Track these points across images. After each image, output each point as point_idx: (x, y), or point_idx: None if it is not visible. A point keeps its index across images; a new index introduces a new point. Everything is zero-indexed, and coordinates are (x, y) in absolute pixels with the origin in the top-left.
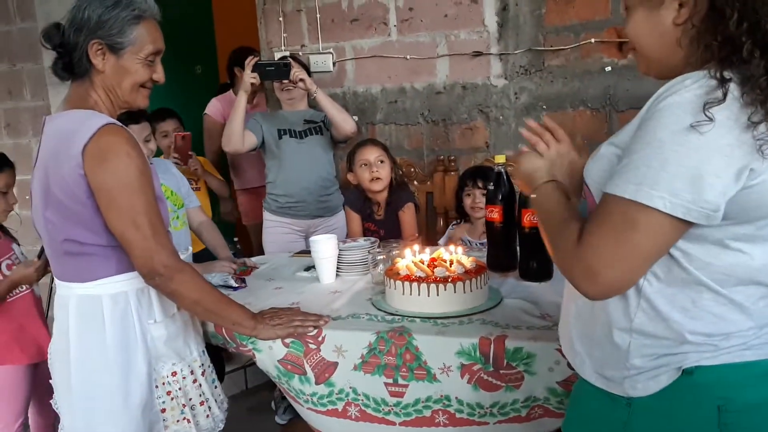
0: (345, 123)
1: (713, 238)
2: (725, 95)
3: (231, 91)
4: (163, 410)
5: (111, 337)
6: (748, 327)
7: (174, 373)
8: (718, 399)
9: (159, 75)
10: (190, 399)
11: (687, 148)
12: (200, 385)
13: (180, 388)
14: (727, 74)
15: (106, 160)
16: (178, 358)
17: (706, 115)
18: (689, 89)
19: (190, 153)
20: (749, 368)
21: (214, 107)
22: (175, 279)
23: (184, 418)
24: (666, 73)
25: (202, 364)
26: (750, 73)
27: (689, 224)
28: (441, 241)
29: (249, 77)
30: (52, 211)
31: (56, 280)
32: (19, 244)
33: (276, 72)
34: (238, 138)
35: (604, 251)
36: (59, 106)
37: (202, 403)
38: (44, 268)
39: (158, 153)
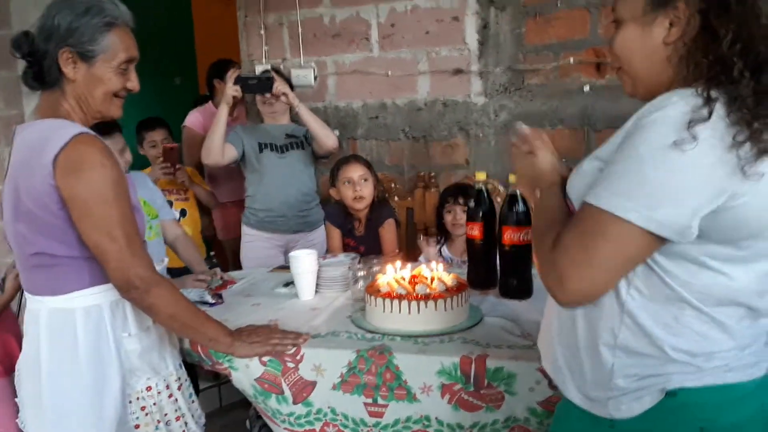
0: (327, 138)
1: (690, 256)
2: (710, 114)
3: (211, 102)
4: (137, 426)
5: (84, 351)
6: (730, 347)
7: (149, 388)
8: (701, 420)
9: (133, 83)
10: (166, 414)
11: (667, 166)
12: (176, 399)
13: (155, 404)
14: (713, 93)
15: (79, 170)
16: (153, 372)
17: (689, 133)
18: (675, 106)
19: (178, 165)
20: (730, 390)
21: (194, 119)
22: (151, 292)
23: None
24: (652, 92)
25: (179, 378)
26: (738, 92)
27: (663, 240)
28: (421, 258)
29: (231, 90)
30: (23, 222)
31: (26, 294)
32: None
33: (258, 85)
34: (218, 151)
35: (570, 255)
36: (30, 116)
37: (178, 419)
38: None
39: (146, 163)
